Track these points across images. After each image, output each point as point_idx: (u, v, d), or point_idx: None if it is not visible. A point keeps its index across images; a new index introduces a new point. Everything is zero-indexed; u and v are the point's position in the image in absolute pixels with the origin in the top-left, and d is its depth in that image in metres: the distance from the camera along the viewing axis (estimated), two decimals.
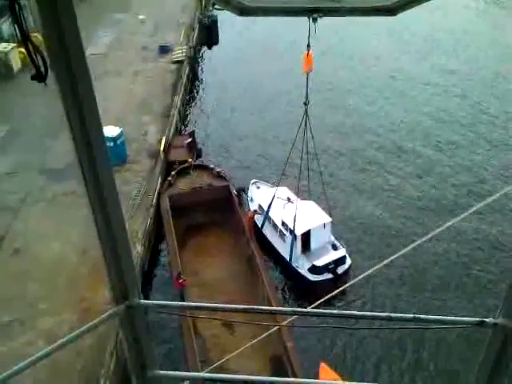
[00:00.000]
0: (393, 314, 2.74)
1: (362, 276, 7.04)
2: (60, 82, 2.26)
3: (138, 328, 2.85)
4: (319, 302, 6.70)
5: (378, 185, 25.64)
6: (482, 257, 21.83)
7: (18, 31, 2.22)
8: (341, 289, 7.73)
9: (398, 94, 32.79)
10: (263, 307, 3.56)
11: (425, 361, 18.05)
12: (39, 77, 2.29)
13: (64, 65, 2.20)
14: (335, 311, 2.98)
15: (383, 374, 17.76)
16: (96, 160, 2.39)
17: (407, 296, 20.24)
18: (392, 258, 7.58)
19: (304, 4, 2.69)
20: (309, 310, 3.09)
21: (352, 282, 9.15)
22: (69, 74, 2.23)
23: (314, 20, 2.85)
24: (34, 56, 2.27)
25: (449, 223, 7.82)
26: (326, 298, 6.31)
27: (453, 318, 2.71)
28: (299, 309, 2.96)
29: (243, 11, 2.74)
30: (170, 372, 3.09)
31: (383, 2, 2.67)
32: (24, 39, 2.22)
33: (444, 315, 2.73)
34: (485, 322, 2.61)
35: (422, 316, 2.69)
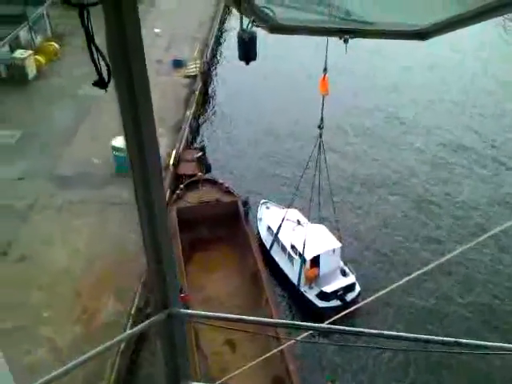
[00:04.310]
0: (431, 337, 2.64)
1: (373, 297, 6.88)
2: (119, 90, 2.27)
3: (176, 337, 2.85)
4: (332, 319, 6.51)
5: (391, 210, 25.45)
6: (504, 281, 21.59)
7: (85, 36, 2.25)
8: (352, 308, 7.63)
9: (412, 120, 32.72)
10: (298, 322, 3.51)
11: None
12: (101, 83, 2.29)
13: (125, 73, 2.22)
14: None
15: None
16: (148, 168, 2.39)
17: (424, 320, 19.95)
18: (400, 282, 7.46)
19: (336, 25, 2.70)
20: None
21: (362, 303, 9.01)
22: (129, 82, 2.25)
23: (346, 41, 2.87)
24: (97, 62, 2.27)
25: (463, 247, 7.69)
26: (339, 316, 6.13)
27: (498, 344, 2.58)
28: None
29: (277, 29, 2.77)
30: None
31: (414, 27, 2.68)
32: (89, 44, 2.24)
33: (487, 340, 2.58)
34: None
35: (463, 340, 2.57)
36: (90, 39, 2.21)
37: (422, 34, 2.69)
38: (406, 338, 2.75)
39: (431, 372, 18.12)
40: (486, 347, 2.59)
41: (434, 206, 25.80)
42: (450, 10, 2.54)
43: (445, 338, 2.65)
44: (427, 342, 2.69)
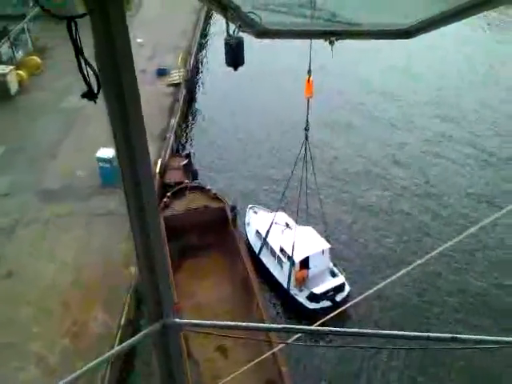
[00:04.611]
0: (430, 334, 2.59)
1: (362, 296, 6.88)
2: (109, 100, 2.26)
3: (171, 348, 2.81)
4: (322, 320, 6.52)
5: (378, 208, 25.56)
6: (497, 273, 21.66)
7: (68, 49, 2.23)
8: (342, 308, 7.64)
9: (401, 118, 32.99)
10: (296, 326, 3.50)
11: None
12: (91, 94, 2.26)
13: (115, 83, 2.20)
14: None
15: None
16: (139, 176, 2.37)
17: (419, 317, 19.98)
18: (391, 279, 7.48)
19: (322, 27, 2.72)
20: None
21: (353, 302, 9.08)
22: (119, 93, 2.23)
23: (331, 43, 2.86)
24: (86, 73, 2.24)
25: (448, 243, 7.75)
26: (330, 316, 6.11)
27: (495, 338, 2.54)
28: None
29: (263, 34, 2.78)
30: None
31: (399, 26, 2.73)
32: (77, 56, 2.22)
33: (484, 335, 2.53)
34: None
35: (462, 336, 2.53)
36: (78, 51, 2.19)
37: (407, 33, 2.72)
38: (403, 337, 2.71)
39: (429, 369, 18.10)
40: (483, 341, 2.55)
41: (422, 201, 25.99)
42: (433, 9, 2.58)
43: (442, 335, 2.62)
44: (426, 339, 2.65)
